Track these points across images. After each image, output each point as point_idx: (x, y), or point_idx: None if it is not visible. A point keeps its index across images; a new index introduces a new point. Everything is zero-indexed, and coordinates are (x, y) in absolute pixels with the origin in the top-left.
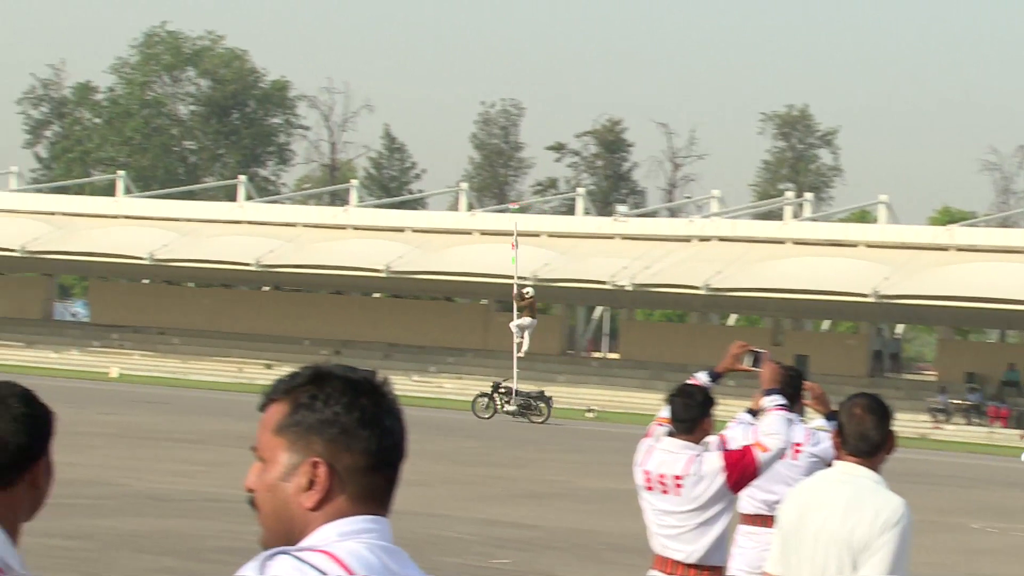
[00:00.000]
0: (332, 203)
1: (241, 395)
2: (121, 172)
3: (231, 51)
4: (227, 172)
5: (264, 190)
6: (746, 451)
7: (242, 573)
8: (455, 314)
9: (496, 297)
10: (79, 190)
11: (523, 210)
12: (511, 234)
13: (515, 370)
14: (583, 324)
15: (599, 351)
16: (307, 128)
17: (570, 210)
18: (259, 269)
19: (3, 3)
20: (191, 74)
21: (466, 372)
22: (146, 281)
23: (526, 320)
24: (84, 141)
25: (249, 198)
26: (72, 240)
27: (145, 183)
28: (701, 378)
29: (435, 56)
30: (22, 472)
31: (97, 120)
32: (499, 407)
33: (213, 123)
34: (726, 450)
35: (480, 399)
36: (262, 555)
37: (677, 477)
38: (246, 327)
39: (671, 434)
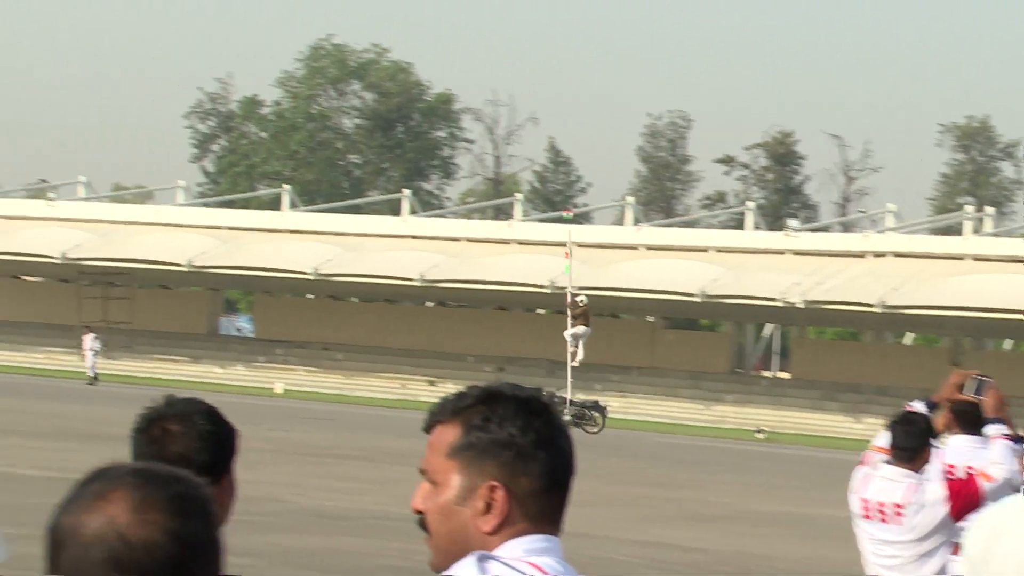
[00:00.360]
0: (496, 217)
1: (404, 412)
2: (286, 186)
3: (396, 64)
4: (391, 186)
5: (428, 204)
6: (970, 480)
7: (453, 573)
8: (620, 331)
9: (663, 314)
10: (245, 204)
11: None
12: (679, 249)
13: (569, 379)
14: (752, 342)
15: (768, 370)
16: (471, 141)
17: (739, 225)
18: (423, 284)
19: (172, 18)
20: (356, 87)
21: (631, 390)
22: (310, 296)
23: (580, 329)
24: (250, 155)
25: (413, 212)
26: (237, 255)
27: (310, 197)
28: (917, 406)
29: (601, 68)
30: None
31: (263, 134)
32: None
33: (378, 136)
34: (949, 479)
35: None
36: (471, 558)
37: (898, 506)
38: (409, 343)
39: (890, 462)
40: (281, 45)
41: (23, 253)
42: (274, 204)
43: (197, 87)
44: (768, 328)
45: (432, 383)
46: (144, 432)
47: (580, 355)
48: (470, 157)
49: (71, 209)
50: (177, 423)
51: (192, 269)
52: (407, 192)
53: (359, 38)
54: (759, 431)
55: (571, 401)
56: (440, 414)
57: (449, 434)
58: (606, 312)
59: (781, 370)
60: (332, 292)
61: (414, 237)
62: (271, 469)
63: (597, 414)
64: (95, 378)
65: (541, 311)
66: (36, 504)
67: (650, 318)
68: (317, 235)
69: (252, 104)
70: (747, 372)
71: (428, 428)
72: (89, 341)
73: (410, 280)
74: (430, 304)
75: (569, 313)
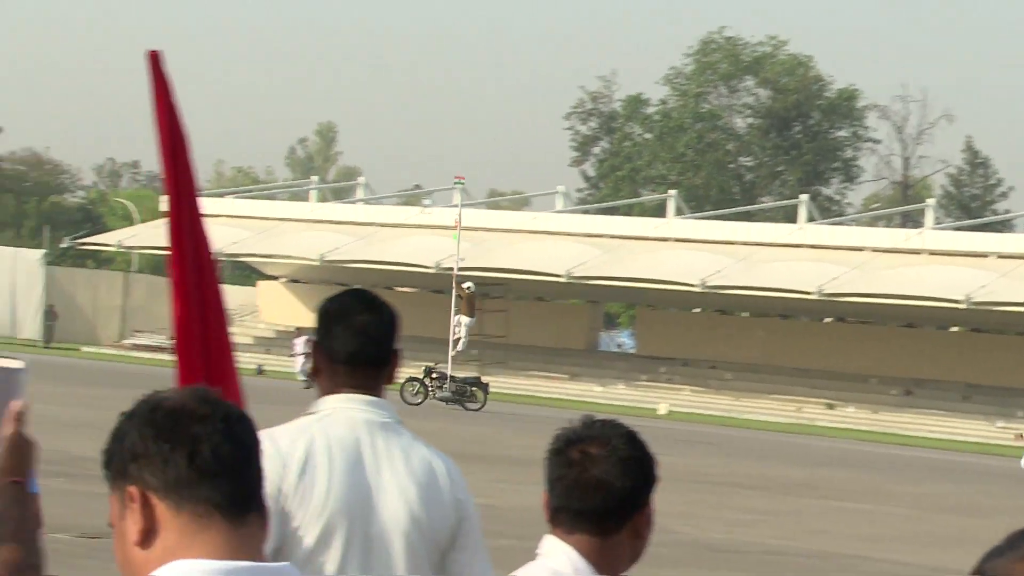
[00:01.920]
0: (904, 225)
1: (799, 437)
2: (672, 191)
3: (794, 57)
4: (786, 191)
5: (827, 210)
6: None
7: None
8: None
9: None
10: (627, 211)
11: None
12: None
13: (449, 356)
14: None
15: None
16: (877, 142)
17: None
18: (820, 298)
19: (554, 15)
20: (749, 83)
21: None
22: (697, 310)
23: (464, 318)
24: (634, 158)
25: (811, 219)
26: (619, 265)
27: (697, 203)
28: None
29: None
30: (626, 519)
31: (648, 135)
32: (431, 392)
33: (772, 137)
34: None
35: (410, 383)
36: None
37: None
38: (805, 362)
39: None
40: (668, 40)
41: (397, 262)
42: (659, 211)
43: (578, 86)
44: None
45: (831, 406)
46: (561, 454)
47: (462, 344)
48: (875, 159)
49: (445, 216)
50: (597, 446)
51: (571, 280)
52: (804, 197)
53: (753, 30)
54: None
55: (452, 377)
56: None
57: None
58: None
59: None
60: (720, 306)
61: (811, 246)
62: (657, 497)
63: (477, 390)
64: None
65: (955, 329)
66: None
67: None
68: (705, 244)
69: (636, 103)
70: None
71: None
72: (301, 345)
73: (807, 293)
74: (828, 320)
75: (455, 296)
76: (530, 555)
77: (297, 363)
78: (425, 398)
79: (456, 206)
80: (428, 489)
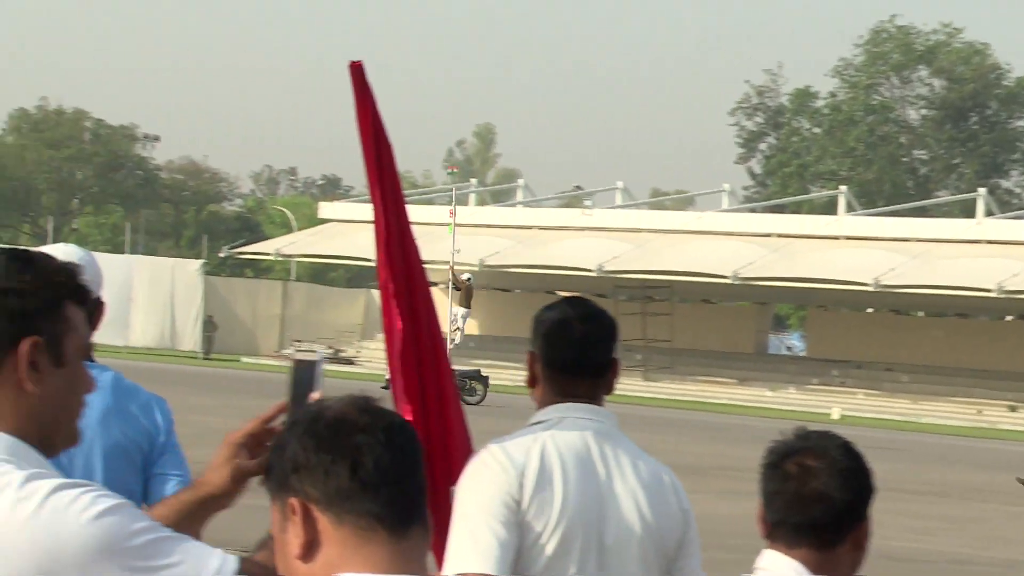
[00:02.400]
0: None
1: (980, 441)
2: (843, 187)
3: (970, 45)
4: (963, 184)
5: (1007, 204)
6: None
7: None
8: None
9: None
10: (796, 208)
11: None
12: None
13: (447, 349)
14: None
15: None
16: None
17: None
18: (1000, 296)
19: (717, 9)
20: (923, 74)
21: None
22: (870, 310)
23: (461, 310)
24: (802, 154)
25: (989, 214)
26: (788, 265)
27: (869, 199)
28: None
29: None
30: (847, 532)
31: (816, 130)
32: None
33: (948, 129)
34: None
35: None
36: None
37: None
38: (985, 363)
39: None
40: (837, 30)
41: (558, 266)
42: (829, 208)
43: (744, 80)
44: None
45: (1013, 408)
46: (777, 467)
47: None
48: None
49: (607, 217)
50: (815, 458)
51: (738, 281)
52: (982, 191)
53: (927, 18)
54: None
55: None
56: None
57: None
58: None
59: None
60: (895, 306)
61: (990, 242)
62: None
63: (477, 384)
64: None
65: None
66: None
67: None
68: (878, 241)
69: (804, 97)
70: None
71: None
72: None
73: (986, 291)
74: (1009, 318)
75: (451, 286)
76: None
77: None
78: None
79: (618, 207)
80: (657, 498)
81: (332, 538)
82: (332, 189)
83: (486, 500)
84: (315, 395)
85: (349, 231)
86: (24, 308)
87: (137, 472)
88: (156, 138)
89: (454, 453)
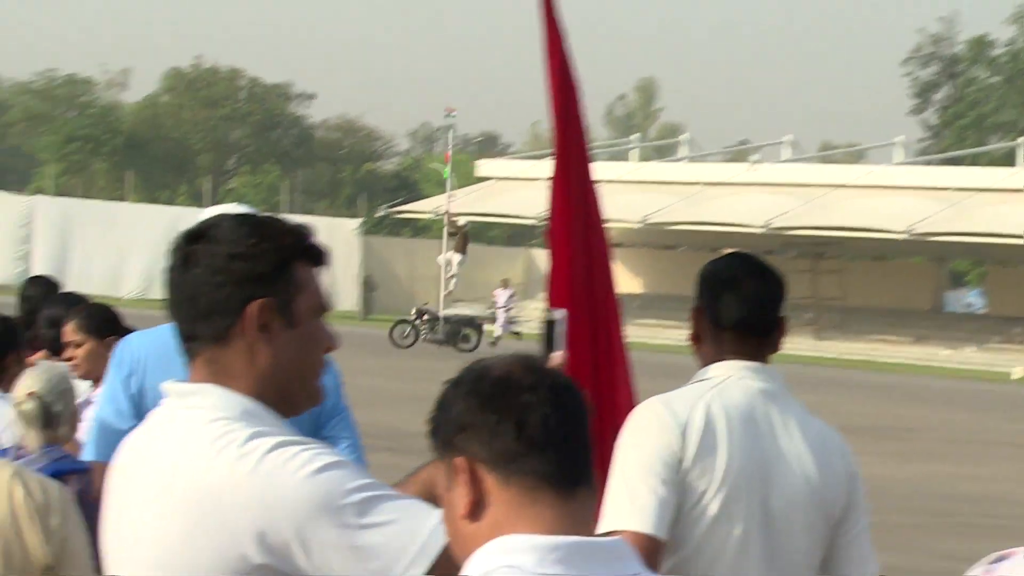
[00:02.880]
0: None
1: None
2: (1020, 139)
3: None
4: None
5: None
6: None
7: None
8: None
9: None
10: (973, 161)
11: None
12: None
13: (441, 296)
14: None
15: None
16: None
17: None
18: None
19: None
20: None
21: None
22: None
23: (456, 256)
24: (979, 104)
25: None
26: (965, 219)
27: None
28: None
29: None
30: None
31: (995, 79)
32: (422, 334)
33: None
34: None
35: (400, 325)
36: None
37: None
38: None
39: None
40: None
41: (724, 223)
42: (1007, 159)
43: (917, 29)
44: None
45: None
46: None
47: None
48: None
49: (775, 173)
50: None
51: (912, 237)
52: None
53: None
54: None
55: (446, 318)
56: None
57: None
58: None
59: None
60: None
61: None
62: (1007, 466)
63: (472, 331)
64: (499, 337)
65: None
66: None
67: None
68: None
69: (981, 45)
70: None
71: None
72: (503, 297)
73: None
74: None
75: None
76: None
77: (499, 318)
78: (415, 340)
79: (787, 161)
80: (824, 461)
81: (499, 498)
82: (491, 146)
83: (646, 456)
84: (556, 356)
85: (508, 188)
86: (252, 272)
87: (306, 434)
88: (312, 96)
89: (621, 410)
